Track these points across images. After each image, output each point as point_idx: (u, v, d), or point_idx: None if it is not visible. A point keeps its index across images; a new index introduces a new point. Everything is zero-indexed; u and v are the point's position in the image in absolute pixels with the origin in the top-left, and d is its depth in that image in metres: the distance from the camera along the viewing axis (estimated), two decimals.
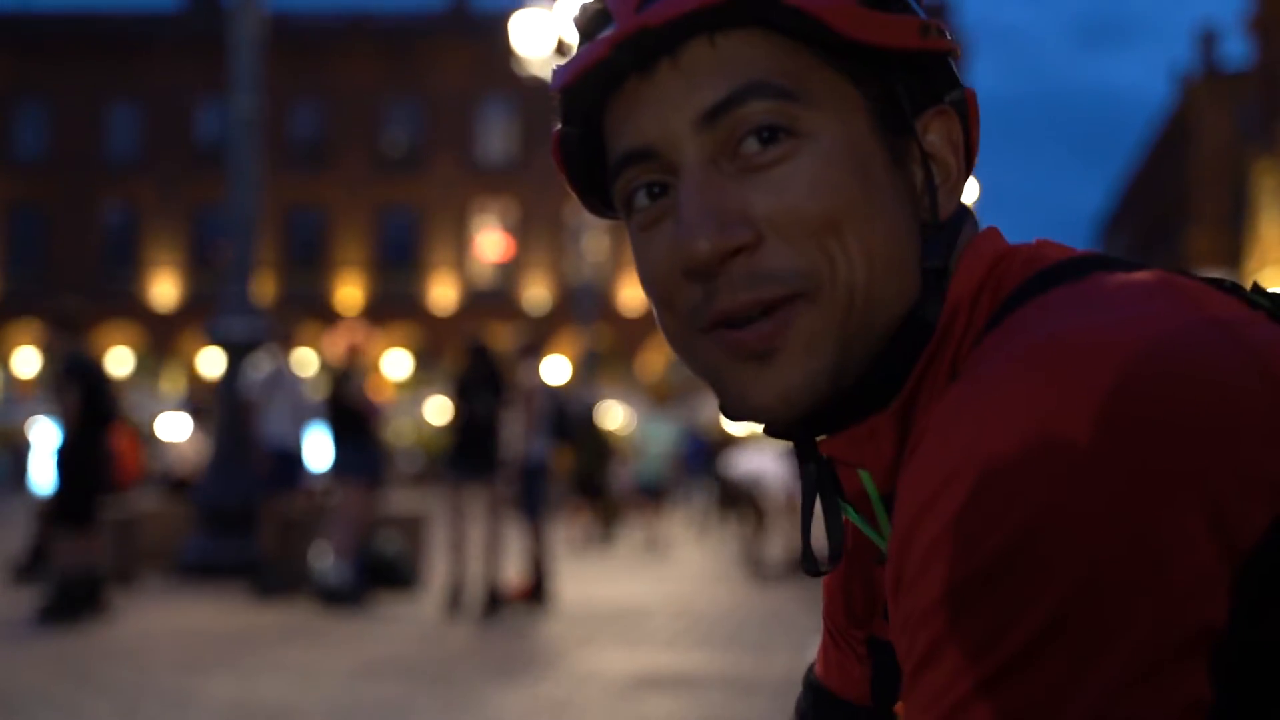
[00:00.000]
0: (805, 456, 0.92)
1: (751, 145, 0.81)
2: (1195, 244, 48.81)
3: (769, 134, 0.81)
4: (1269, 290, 0.78)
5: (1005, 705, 0.65)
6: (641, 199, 0.85)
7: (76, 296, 10.42)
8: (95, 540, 8.98)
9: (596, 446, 18.68)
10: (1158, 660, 0.64)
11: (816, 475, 0.91)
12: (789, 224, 0.80)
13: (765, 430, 0.89)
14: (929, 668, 0.68)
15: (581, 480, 18.50)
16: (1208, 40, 49.44)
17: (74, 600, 8.63)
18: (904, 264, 0.83)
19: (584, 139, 0.88)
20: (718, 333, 0.82)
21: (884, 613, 1.01)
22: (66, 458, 8.90)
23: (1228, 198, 46.53)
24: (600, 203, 0.93)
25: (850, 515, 0.92)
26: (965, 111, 0.89)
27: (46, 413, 8.92)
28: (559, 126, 0.89)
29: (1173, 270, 0.78)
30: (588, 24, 0.86)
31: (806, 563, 0.96)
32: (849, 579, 1.05)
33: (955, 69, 0.89)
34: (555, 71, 0.87)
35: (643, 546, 16.80)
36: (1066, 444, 0.66)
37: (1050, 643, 0.65)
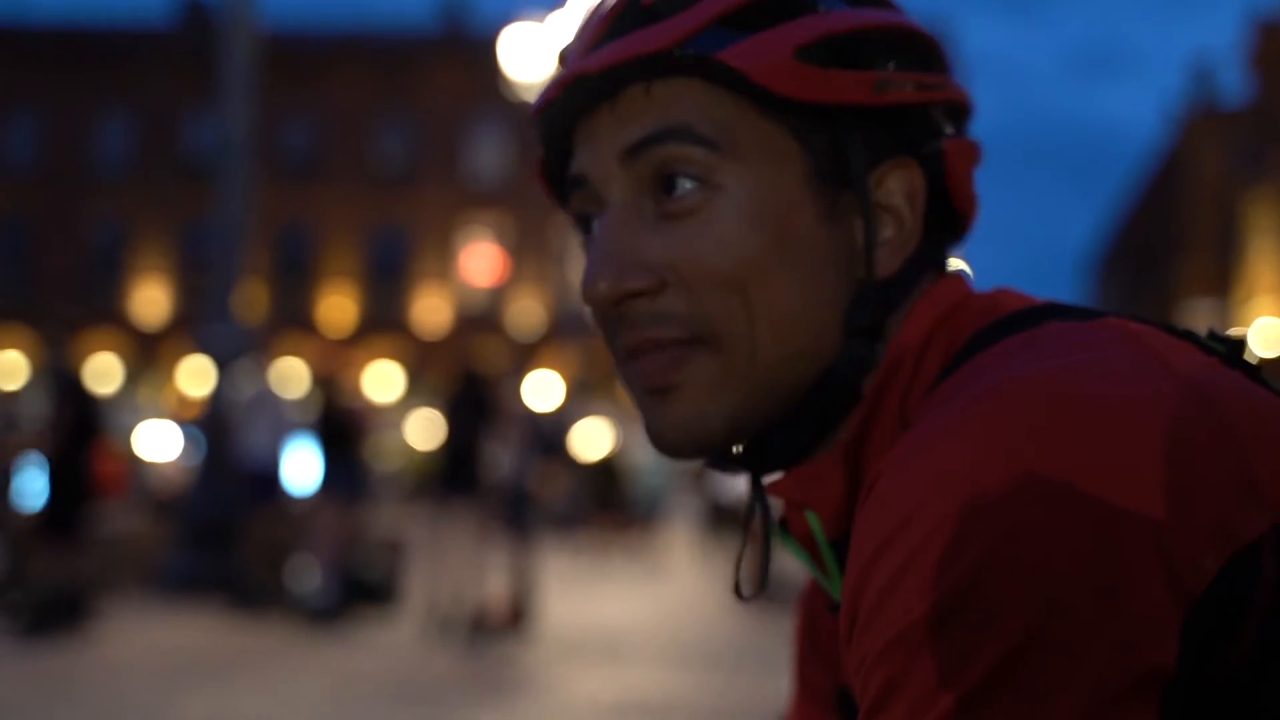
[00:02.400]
0: (753, 489, 0.92)
1: (667, 191, 0.83)
2: (1186, 273, 49.08)
3: (687, 182, 0.83)
4: (1223, 334, 0.79)
5: None
6: (582, 229, 0.90)
7: (70, 305, 10.46)
8: (79, 554, 8.95)
9: (610, 465, 19.76)
10: (1110, 700, 0.64)
11: (758, 508, 0.93)
12: (691, 275, 0.82)
13: (676, 459, 0.89)
14: (891, 702, 0.68)
15: (601, 497, 19.42)
16: (1201, 76, 49.77)
17: (55, 613, 8.57)
18: (818, 323, 0.84)
19: (558, 163, 0.91)
20: (626, 366, 0.85)
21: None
22: (55, 469, 8.88)
23: (1218, 228, 46.80)
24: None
25: (800, 559, 0.92)
26: (942, 163, 0.88)
27: (34, 423, 8.93)
28: (539, 151, 0.93)
29: (1127, 317, 0.78)
30: (561, 59, 0.90)
31: (736, 589, 0.97)
32: (812, 625, 1.05)
33: (937, 119, 0.88)
34: (535, 100, 0.90)
35: (642, 567, 17.04)
36: (1024, 487, 0.66)
37: (1006, 680, 0.65)
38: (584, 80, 0.85)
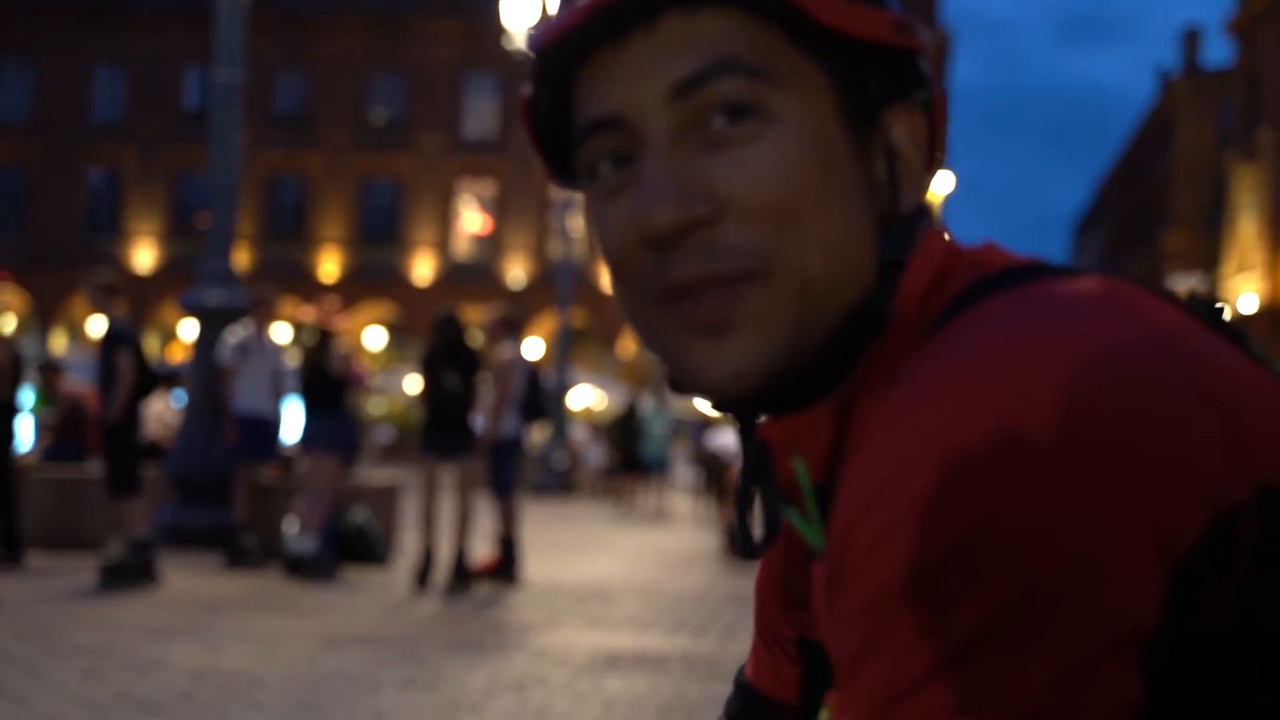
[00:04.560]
0: (746, 436, 0.91)
1: (719, 122, 0.81)
2: (1172, 244, 48.92)
3: (738, 112, 0.81)
4: (1204, 297, 0.80)
5: (947, 696, 0.66)
6: (605, 168, 0.84)
7: (107, 269, 10.33)
8: (144, 511, 9.04)
9: (628, 422, 21.35)
10: (1092, 661, 0.65)
11: (754, 457, 0.91)
12: (749, 204, 0.80)
13: (714, 405, 0.88)
14: (870, 657, 0.69)
15: (626, 458, 21.11)
16: (1190, 40, 49.45)
17: (127, 570, 8.64)
18: (860, 255, 0.83)
19: (553, 104, 0.88)
20: (671, 305, 0.82)
21: (792, 608, 1.02)
22: (120, 425, 8.88)
23: (1205, 200, 46.64)
24: (564, 170, 0.92)
25: (779, 507, 0.91)
26: (931, 111, 0.89)
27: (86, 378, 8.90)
28: (529, 90, 0.88)
29: (1115, 278, 0.79)
30: None
31: (741, 545, 0.95)
32: (788, 575, 1.04)
33: (924, 69, 0.89)
34: (533, 34, 0.87)
35: (651, 514, 18.33)
36: (1018, 444, 0.66)
37: (987, 640, 0.65)
38: (624, 3, 0.81)
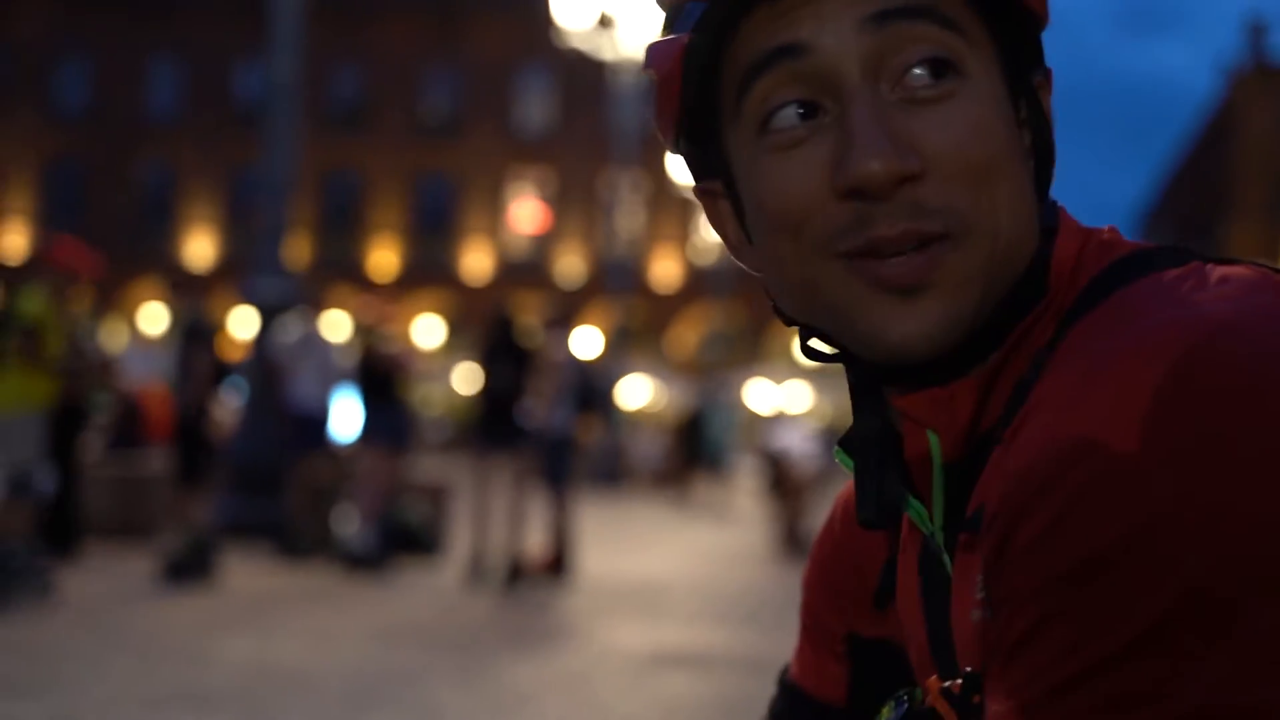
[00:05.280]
0: (870, 410, 0.89)
1: (920, 76, 0.79)
2: (1236, 236, 48.43)
3: (938, 67, 0.79)
4: None
5: (1108, 693, 0.65)
6: (789, 117, 0.81)
7: (179, 271, 10.45)
8: (210, 503, 9.15)
9: (695, 421, 21.98)
10: (1270, 659, 0.65)
11: (882, 428, 0.88)
12: (951, 163, 0.79)
13: (859, 379, 0.87)
14: (1032, 645, 0.68)
15: (689, 450, 21.60)
16: (1256, 31, 48.89)
17: (191, 562, 8.70)
18: (1031, 220, 0.83)
19: (711, 51, 0.84)
20: (861, 262, 0.79)
21: (879, 606, 1.01)
22: (194, 418, 8.99)
23: (1270, 191, 46.10)
24: (695, 132, 0.88)
25: (899, 488, 0.90)
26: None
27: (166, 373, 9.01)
28: (683, 36, 0.84)
29: (1264, 265, 0.78)
30: None
31: (870, 511, 0.90)
32: (857, 568, 1.03)
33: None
34: None
35: (710, 510, 18.63)
36: (1206, 438, 0.66)
37: (1163, 636, 0.65)
38: None
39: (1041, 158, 0.86)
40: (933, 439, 0.84)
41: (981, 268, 0.79)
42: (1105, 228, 0.87)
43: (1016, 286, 0.82)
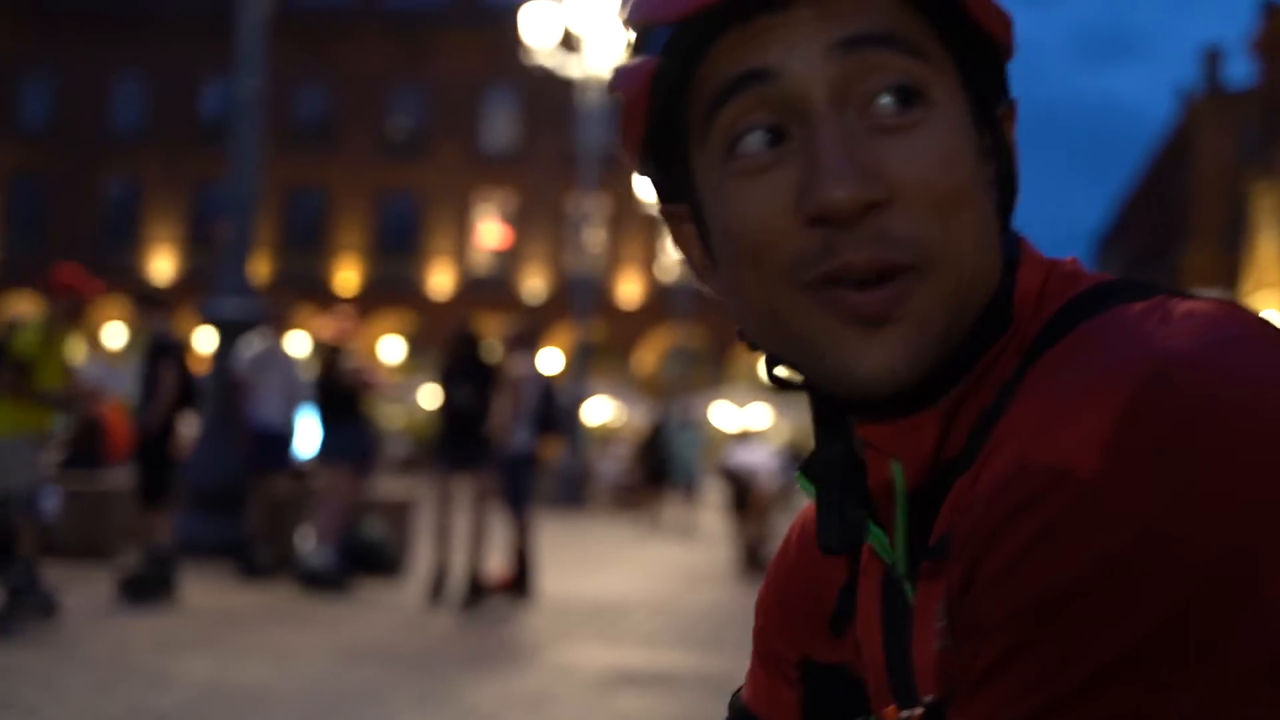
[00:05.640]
0: (833, 437, 0.88)
1: (887, 104, 0.79)
2: (1192, 262, 48.82)
3: (905, 95, 0.79)
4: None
5: (1088, 718, 0.65)
6: (755, 142, 0.80)
7: (146, 284, 10.40)
8: (171, 522, 9.08)
9: (658, 440, 22.02)
10: (1237, 691, 0.64)
11: (844, 457, 0.88)
12: (917, 192, 0.78)
13: (823, 406, 0.87)
14: (1000, 676, 0.67)
15: (653, 471, 21.65)
16: (1211, 59, 49.45)
17: (151, 581, 8.65)
18: (996, 251, 0.82)
19: (679, 76, 0.83)
20: (828, 291, 0.79)
21: (835, 632, 1.00)
22: (156, 437, 8.92)
23: (1226, 217, 46.57)
24: (662, 156, 0.87)
25: (860, 514, 0.89)
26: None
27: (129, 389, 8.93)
28: (650, 60, 0.83)
29: (1229, 300, 0.79)
30: None
31: (832, 538, 0.90)
32: (815, 593, 1.02)
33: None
34: (659, 2, 0.82)
35: (673, 530, 18.93)
36: (1172, 468, 0.66)
37: (1135, 664, 0.65)
38: None
39: (1005, 188, 0.85)
40: (896, 468, 0.83)
41: (947, 299, 0.79)
42: (1068, 259, 0.87)
43: (981, 317, 0.82)
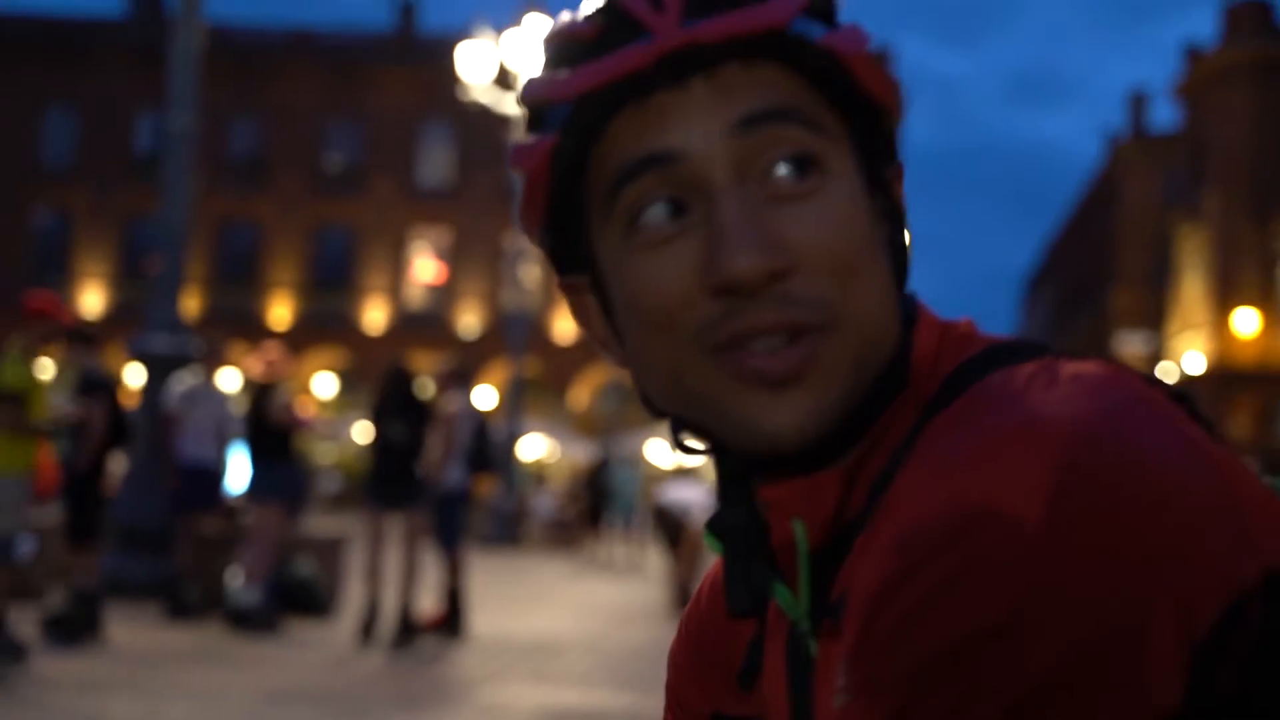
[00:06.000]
0: (738, 499, 0.89)
1: (784, 174, 0.81)
2: (1119, 303, 49.52)
3: (802, 164, 0.81)
4: (1176, 388, 0.81)
5: None
6: (657, 215, 0.82)
7: (87, 323, 10.24)
8: (98, 560, 8.92)
9: (599, 477, 22.15)
10: None
11: (749, 518, 0.89)
12: (817, 258, 0.80)
13: (727, 469, 0.88)
14: None
15: (593, 508, 21.83)
16: (1137, 103, 50.33)
17: (85, 617, 8.49)
18: (894, 311, 0.85)
19: (578, 153, 0.84)
20: (731, 356, 0.80)
21: (744, 686, 1.00)
22: (86, 474, 8.76)
23: (1152, 259, 47.29)
24: (561, 230, 0.88)
25: (766, 573, 0.90)
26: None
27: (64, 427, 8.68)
28: (549, 138, 0.85)
29: (1112, 362, 0.80)
30: (601, 32, 0.84)
31: (739, 601, 0.90)
32: (728, 647, 1.03)
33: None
34: (557, 81, 0.84)
35: (607, 567, 18.86)
36: (1050, 530, 0.67)
37: (1025, 716, 0.65)
38: (690, 51, 0.81)
39: (898, 249, 0.87)
40: (798, 528, 0.85)
41: (851, 359, 0.81)
42: (962, 320, 0.89)
43: (880, 377, 0.83)
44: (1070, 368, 0.77)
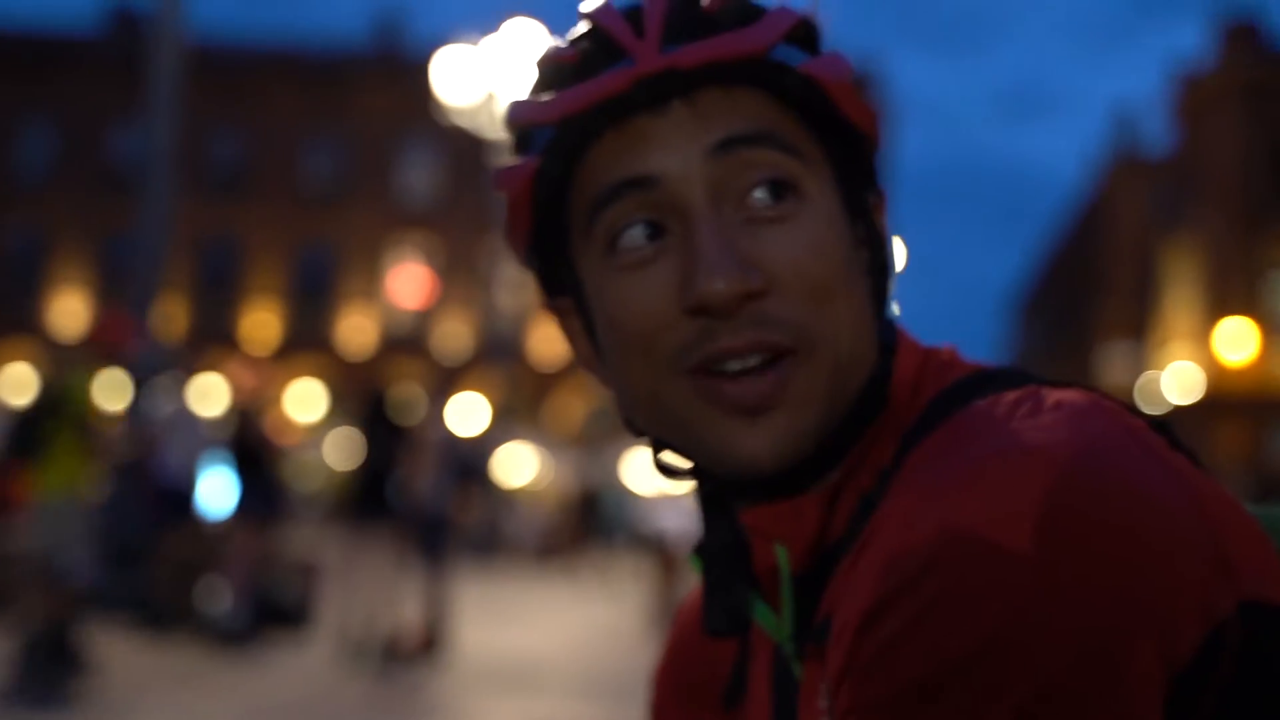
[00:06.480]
0: (719, 521, 0.91)
1: (761, 197, 0.82)
2: (1105, 317, 49.94)
3: (778, 188, 0.82)
4: (1158, 418, 0.82)
5: None
6: (635, 237, 0.83)
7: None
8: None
9: (594, 497, 22.71)
10: None
11: (730, 541, 0.91)
12: (792, 281, 0.81)
13: (709, 493, 0.89)
14: None
15: (585, 525, 22.25)
16: (1125, 120, 50.80)
17: (49, 653, 8.38)
18: (871, 336, 0.85)
19: (560, 176, 0.86)
20: (706, 380, 0.81)
21: (728, 704, 1.01)
22: None
23: (1137, 274, 47.71)
24: (545, 252, 0.90)
25: (748, 595, 0.92)
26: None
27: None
28: (532, 161, 0.86)
29: (1093, 389, 0.81)
30: (584, 57, 0.85)
31: (719, 623, 0.92)
32: (711, 668, 1.04)
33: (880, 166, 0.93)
34: (540, 104, 0.85)
35: (591, 585, 18.96)
36: (1034, 558, 0.68)
37: None
38: (670, 76, 0.82)
39: (878, 275, 0.88)
40: (780, 552, 0.85)
41: (825, 383, 0.82)
42: (944, 347, 0.89)
43: (858, 401, 0.84)
44: (1053, 396, 0.78)
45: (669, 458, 0.90)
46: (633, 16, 0.85)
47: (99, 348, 8.11)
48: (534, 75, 0.89)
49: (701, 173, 0.82)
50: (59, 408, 7.68)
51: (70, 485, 7.56)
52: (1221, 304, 38.31)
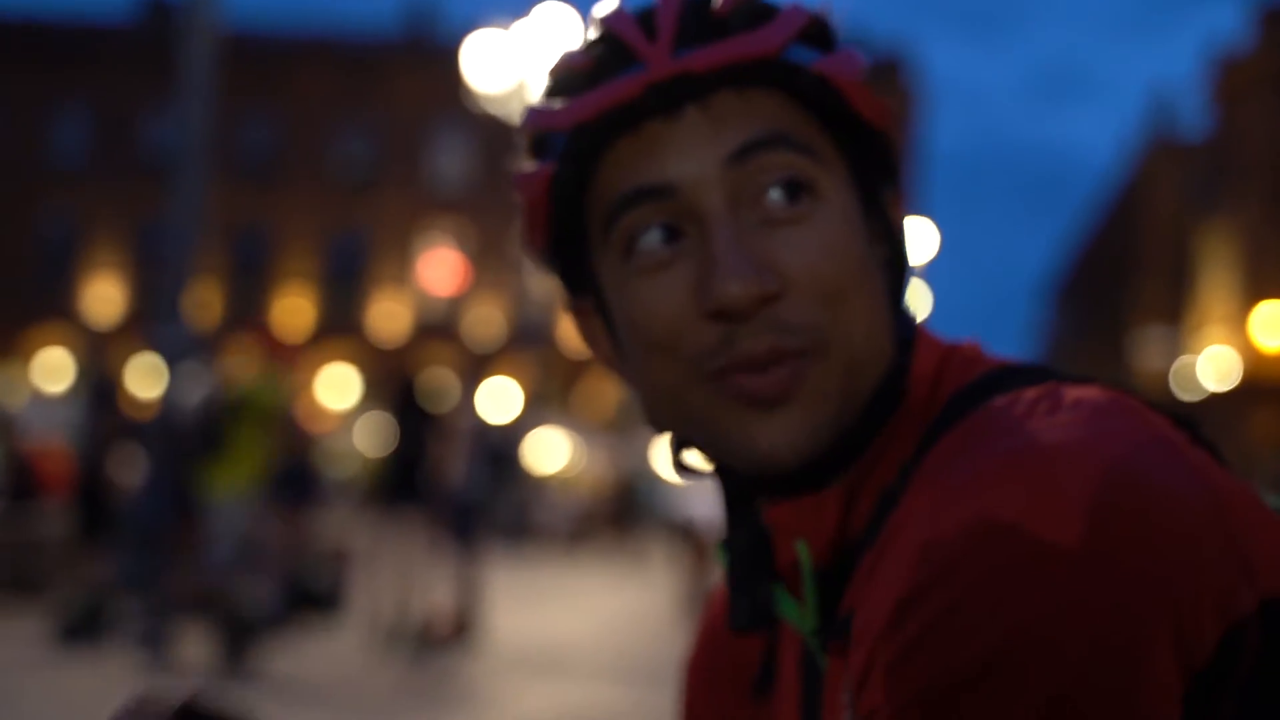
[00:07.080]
0: (742, 519, 0.91)
1: (776, 198, 0.83)
2: (1140, 300, 49.64)
3: (793, 189, 0.83)
4: (1182, 414, 0.82)
5: None
6: (652, 241, 0.84)
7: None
8: (107, 560, 9.03)
9: (629, 485, 22.95)
10: None
11: (753, 538, 0.91)
12: (807, 282, 0.82)
13: (731, 490, 0.90)
14: None
15: (619, 513, 22.57)
16: (1161, 103, 50.40)
17: (88, 621, 8.51)
18: (887, 333, 0.86)
19: (576, 181, 0.87)
20: (728, 379, 0.82)
21: (758, 693, 1.01)
22: (87, 477, 8.86)
23: (1172, 257, 47.38)
24: (564, 255, 0.90)
25: (773, 589, 0.92)
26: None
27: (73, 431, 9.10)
28: (548, 166, 0.87)
29: (1116, 386, 0.82)
30: (597, 61, 0.86)
31: (741, 619, 0.92)
32: (742, 660, 1.04)
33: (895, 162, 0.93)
34: (555, 110, 0.86)
35: (625, 571, 18.69)
36: (1056, 557, 0.68)
37: None
38: (683, 80, 0.83)
39: (896, 269, 0.89)
40: (801, 548, 0.86)
41: (839, 380, 0.82)
42: (967, 343, 0.90)
43: (875, 397, 0.85)
44: (1072, 393, 0.78)
45: (690, 457, 0.91)
46: (645, 20, 0.85)
47: (274, 359, 8.41)
48: (549, 80, 0.89)
49: (718, 179, 0.83)
50: (240, 410, 7.97)
51: (248, 483, 7.84)
52: (1258, 288, 37.97)
